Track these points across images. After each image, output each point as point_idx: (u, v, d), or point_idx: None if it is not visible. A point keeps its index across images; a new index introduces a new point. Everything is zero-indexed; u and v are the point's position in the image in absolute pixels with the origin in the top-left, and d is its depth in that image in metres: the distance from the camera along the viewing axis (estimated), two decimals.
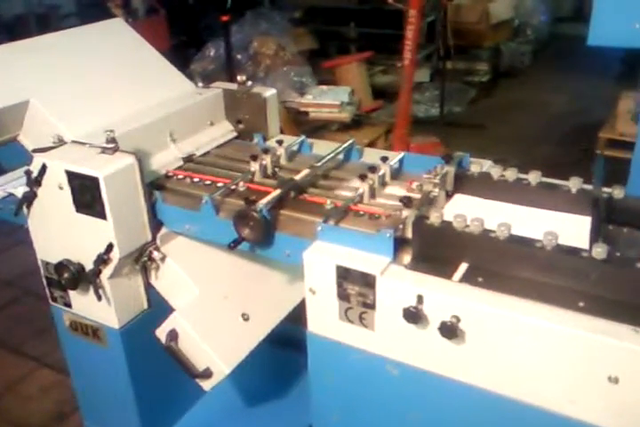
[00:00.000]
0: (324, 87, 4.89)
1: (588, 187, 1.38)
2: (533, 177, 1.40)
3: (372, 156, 1.78)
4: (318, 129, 4.66)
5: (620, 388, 1.05)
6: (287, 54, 5.38)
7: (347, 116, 4.61)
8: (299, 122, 4.66)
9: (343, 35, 6.79)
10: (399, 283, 1.22)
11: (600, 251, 1.10)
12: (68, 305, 1.73)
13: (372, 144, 4.53)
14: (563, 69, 7.00)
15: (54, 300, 1.76)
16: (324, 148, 1.84)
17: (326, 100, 4.62)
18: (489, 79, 6.54)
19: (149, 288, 1.69)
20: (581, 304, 1.12)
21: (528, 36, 7.08)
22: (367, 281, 1.25)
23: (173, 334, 1.56)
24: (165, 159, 1.76)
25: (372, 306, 1.26)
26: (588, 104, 5.83)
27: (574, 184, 1.37)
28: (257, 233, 1.40)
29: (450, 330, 1.15)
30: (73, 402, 2.11)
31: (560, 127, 5.52)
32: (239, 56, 5.40)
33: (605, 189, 1.34)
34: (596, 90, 6.13)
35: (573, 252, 1.14)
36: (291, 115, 4.61)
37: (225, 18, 4.32)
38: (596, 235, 1.19)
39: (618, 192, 1.32)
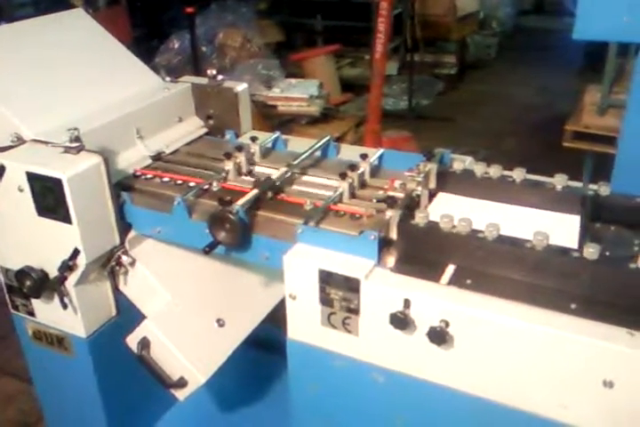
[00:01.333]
0: (293, 80, 4.82)
1: (573, 184, 1.36)
2: (518, 174, 1.37)
3: (349, 152, 1.72)
4: (287, 123, 4.59)
5: (616, 392, 1.02)
6: (253, 47, 5.29)
7: (316, 109, 4.55)
8: (267, 116, 4.58)
9: (310, 27, 6.72)
10: (385, 287, 1.17)
11: (592, 251, 1.07)
12: (32, 314, 1.64)
13: (341, 138, 4.49)
14: (527, 62, 7.07)
15: (16, 308, 1.67)
16: (298, 144, 1.79)
17: (295, 94, 4.56)
18: (456, 72, 6.55)
19: (118, 294, 1.61)
20: (573, 306, 1.08)
21: (494, 29, 7.14)
22: (351, 285, 1.19)
23: (145, 343, 1.49)
24: (133, 158, 1.67)
25: (356, 311, 1.21)
26: (554, 97, 5.90)
27: (559, 181, 1.34)
28: (234, 236, 1.33)
29: (439, 335, 1.11)
30: (37, 412, 2.02)
31: (527, 120, 5.57)
32: (204, 48, 5.30)
33: (591, 186, 1.31)
34: (561, 82, 6.21)
35: (564, 252, 1.11)
36: (258, 108, 4.53)
37: (189, 9, 4.22)
38: (586, 234, 1.17)
39: (604, 189, 1.29)
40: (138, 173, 1.64)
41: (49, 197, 1.39)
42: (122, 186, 1.56)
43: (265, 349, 2.02)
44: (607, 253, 1.10)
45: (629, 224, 1.25)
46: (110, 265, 1.53)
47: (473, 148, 4.55)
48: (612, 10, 1.23)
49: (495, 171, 1.39)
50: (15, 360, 2.53)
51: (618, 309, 1.06)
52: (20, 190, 1.41)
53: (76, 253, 1.42)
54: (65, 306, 1.49)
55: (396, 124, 4.85)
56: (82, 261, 1.44)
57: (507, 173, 1.40)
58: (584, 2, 1.24)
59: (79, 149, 1.42)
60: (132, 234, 1.54)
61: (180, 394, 1.51)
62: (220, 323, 1.58)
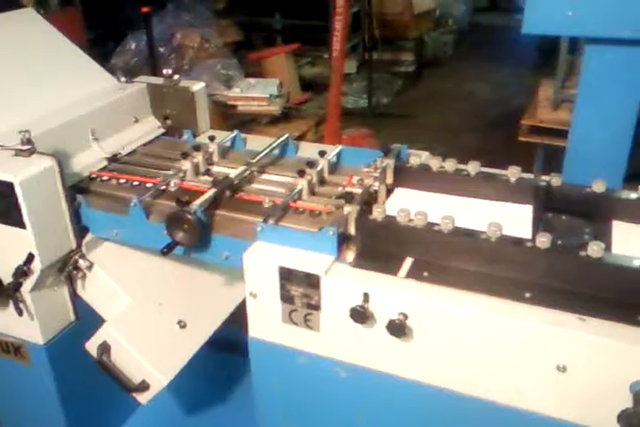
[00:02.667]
0: (252, 80, 4.81)
1: (527, 176, 1.39)
2: (472, 167, 1.39)
3: (307, 150, 1.73)
4: (247, 122, 4.58)
5: (569, 376, 1.05)
6: (212, 46, 5.25)
7: (276, 108, 4.55)
8: (227, 115, 4.56)
9: (268, 26, 6.70)
10: (344, 282, 1.18)
11: (544, 240, 1.10)
12: None
13: (302, 137, 4.49)
14: (483, 58, 7.19)
15: None
16: (257, 142, 1.78)
17: (255, 93, 4.55)
18: (414, 69, 6.62)
19: (76, 299, 1.58)
20: (527, 295, 1.11)
21: (450, 27, 7.22)
22: (311, 281, 1.20)
23: (105, 347, 1.47)
24: (88, 160, 1.65)
25: (316, 307, 1.22)
26: (509, 92, 6.01)
27: (512, 173, 1.36)
28: (192, 236, 1.32)
29: (398, 328, 1.12)
30: None
31: (483, 115, 5.66)
32: (162, 49, 5.23)
33: (543, 178, 1.34)
34: (516, 78, 6.33)
35: (518, 242, 1.13)
36: (218, 108, 4.50)
37: (145, 9, 4.16)
38: (538, 224, 1.19)
39: (555, 180, 1.32)
40: (93, 176, 1.62)
41: (0, 202, 1.35)
42: (77, 189, 1.54)
43: (226, 349, 2.01)
44: (559, 242, 1.13)
45: (580, 214, 1.28)
46: (67, 270, 1.50)
47: (432, 144, 4.61)
48: (556, 4, 1.26)
49: (450, 165, 1.41)
50: None
51: (570, 296, 1.09)
52: None
53: (30, 258, 1.39)
54: (20, 313, 1.45)
55: (355, 123, 4.87)
56: (37, 266, 1.41)
57: (462, 166, 1.42)
58: None
59: (31, 152, 1.39)
60: (88, 237, 1.52)
61: (143, 398, 1.50)
62: (182, 324, 1.57)
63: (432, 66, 6.92)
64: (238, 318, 1.72)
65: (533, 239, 1.12)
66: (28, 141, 1.39)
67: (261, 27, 6.70)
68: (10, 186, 1.32)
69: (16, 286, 1.42)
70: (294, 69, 5.58)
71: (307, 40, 6.10)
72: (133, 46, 5.38)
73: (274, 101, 4.57)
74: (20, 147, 1.39)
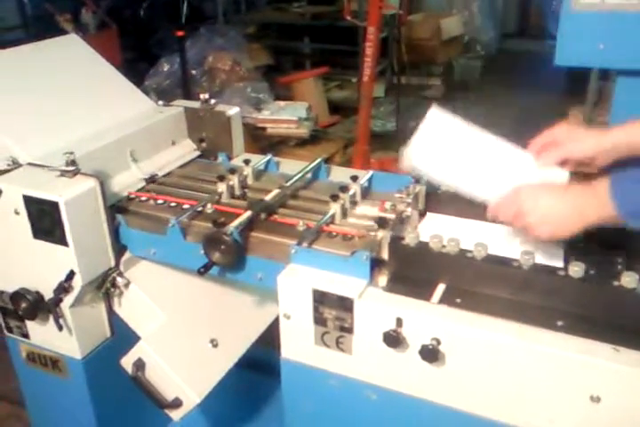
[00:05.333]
0: (282, 103, 4.88)
1: None
2: None
3: (339, 174, 1.76)
4: (276, 145, 4.64)
5: (602, 407, 1.05)
6: (243, 70, 5.35)
7: (305, 131, 4.61)
8: (256, 138, 4.63)
9: (297, 50, 6.82)
10: (377, 306, 1.20)
11: (577, 270, 1.11)
12: (26, 336, 1.64)
13: (329, 159, 4.54)
14: (511, 84, 7.19)
15: (9, 330, 1.67)
16: (290, 166, 1.82)
17: (284, 116, 4.62)
18: (442, 94, 6.65)
19: (112, 316, 1.62)
20: (560, 323, 1.12)
21: (478, 52, 7.26)
22: (345, 305, 1.22)
23: (140, 364, 1.50)
24: (127, 180, 1.69)
25: (349, 330, 1.24)
26: (537, 118, 5.98)
27: None
28: (228, 257, 1.35)
29: (431, 353, 1.14)
30: None
31: (512, 141, 5.64)
32: (194, 71, 5.35)
33: None
34: (545, 104, 6.31)
35: (550, 271, 1.15)
36: (248, 130, 4.58)
37: (180, 33, 4.28)
38: (570, 253, 1.20)
39: None
40: (132, 196, 1.66)
41: (45, 220, 1.40)
42: (117, 208, 1.58)
43: (256, 370, 2.03)
44: (591, 272, 1.13)
45: (612, 244, 1.28)
46: (105, 287, 1.54)
47: None
48: (588, 38, 1.28)
49: None
50: (5, 383, 2.51)
51: (603, 325, 1.09)
52: (17, 213, 1.43)
53: (71, 274, 1.43)
54: (60, 328, 1.50)
55: (383, 146, 4.90)
56: (77, 282, 1.45)
57: None
58: (563, 30, 1.29)
59: (75, 173, 1.44)
60: (126, 256, 1.56)
61: (175, 415, 1.52)
62: (214, 343, 1.60)
63: (460, 91, 6.94)
64: (267, 338, 1.75)
65: (566, 268, 1.14)
66: (73, 163, 1.44)
67: (290, 51, 6.83)
68: (55, 205, 1.36)
69: (57, 301, 1.46)
70: (322, 93, 5.66)
71: (335, 64, 6.19)
72: (166, 68, 5.51)
73: (302, 124, 4.63)
74: (64, 168, 1.44)
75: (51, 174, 1.44)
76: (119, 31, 5.91)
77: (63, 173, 1.44)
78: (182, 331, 1.57)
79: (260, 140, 4.62)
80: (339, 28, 5.90)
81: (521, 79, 7.27)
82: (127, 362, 1.51)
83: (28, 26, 6.57)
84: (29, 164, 1.51)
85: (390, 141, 5.33)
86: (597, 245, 1.30)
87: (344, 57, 6.28)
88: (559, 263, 1.19)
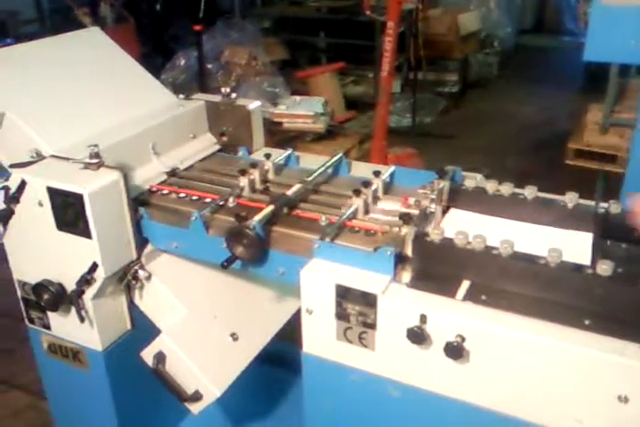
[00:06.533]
0: (298, 98, 4.87)
1: (583, 202, 1.38)
2: (529, 192, 1.40)
3: (360, 169, 1.76)
4: (292, 139, 4.64)
5: (631, 407, 1.04)
6: (259, 64, 5.35)
7: (321, 126, 4.60)
8: (272, 132, 4.62)
9: (313, 45, 6.80)
10: (401, 302, 1.19)
11: (605, 268, 1.10)
12: (47, 327, 1.65)
13: (346, 154, 4.48)
14: (528, 80, 7.14)
15: (31, 321, 1.68)
16: (310, 160, 1.82)
17: (300, 111, 4.61)
18: (458, 90, 6.62)
19: (133, 308, 1.63)
20: (587, 322, 1.10)
21: (495, 48, 7.20)
22: (368, 300, 1.21)
23: (161, 357, 1.50)
24: (149, 174, 1.70)
25: (372, 326, 1.23)
26: (554, 115, 5.95)
27: (570, 199, 1.36)
28: (251, 251, 1.35)
29: (455, 350, 1.13)
30: (46, 426, 2.02)
31: (528, 138, 5.61)
32: (210, 66, 5.35)
33: (602, 204, 1.34)
34: (561, 101, 6.27)
35: (578, 269, 1.13)
36: (264, 125, 4.57)
37: (198, 27, 4.28)
38: (598, 251, 1.19)
39: (615, 207, 1.32)
40: (154, 189, 1.67)
41: (69, 212, 1.41)
42: (139, 201, 1.59)
43: (275, 364, 2.03)
44: (620, 270, 1.12)
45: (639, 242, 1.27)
46: (127, 279, 1.55)
47: (475, 164, 4.59)
48: (619, 34, 1.26)
49: (506, 188, 1.42)
50: (24, 374, 2.53)
51: (631, 324, 1.08)
52: (40, 205, 1.44)
53: (94, 267, 1.44)
54: (82, 319, 1.51)
55: (398, 141, 4.88)
56: (100, 275, 1.46)
57: (518, 190, 1.43)
58: (594, 26, 1.27)
59: (99, 165, 1.44)
60: (148, 249, 1.56)
61: (195, 408, 1.52)
62: (235, 337, 1.60)
63: (476, 87, 6.90)
64: (286, 332, 1.75)
65: (593, 266, 1.12)
66: (97, 155, 1.45)
67: (306, 45, 6.81)
68: (79, 197, 1.37)
69: (79, 293, 1.47)
70: (339, 88, 5.64)
71: (350, 59, 6.17)
72: (183, 62, 5.52)
73: (319, 119, 4.62)
74: (88, 160, 1.44)
75: (74, 166, 1.45)
76: (136, 25, 5.93)
77: (87, 166, 1.44)
78: (203, 324, 1.57)
79: (275, 134, 4.61)
80: (355, 22, 5.87)
81: (537, 75, 7.21)
82: (148, 354, 1.52)
83: (44, 19, 6.61)
84: (52, 156, 1.51)
85: (405, 137, 5.31)
86: (625, 242, 1.29)
87: (360, 52, 6.25)
88: (587, 261, 1.18)
